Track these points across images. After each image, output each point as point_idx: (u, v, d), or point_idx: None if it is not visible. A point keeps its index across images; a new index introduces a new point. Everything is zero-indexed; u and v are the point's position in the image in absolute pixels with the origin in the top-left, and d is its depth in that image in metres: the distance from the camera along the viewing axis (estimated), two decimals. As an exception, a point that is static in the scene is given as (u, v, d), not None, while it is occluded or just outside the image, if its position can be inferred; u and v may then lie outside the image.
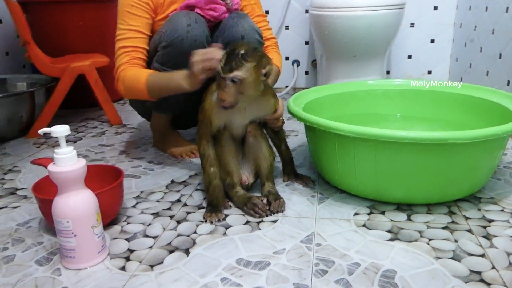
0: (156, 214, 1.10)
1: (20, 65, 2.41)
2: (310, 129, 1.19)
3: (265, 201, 1.11)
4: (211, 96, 1.07)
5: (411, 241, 0.94)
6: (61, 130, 0.83)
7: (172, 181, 1.29)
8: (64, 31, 2.11)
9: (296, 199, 1.15)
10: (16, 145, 1.68)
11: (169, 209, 1.12)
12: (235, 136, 1.14)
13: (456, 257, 0.88)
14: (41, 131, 0.84)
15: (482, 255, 0.88)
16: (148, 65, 1.35)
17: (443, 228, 0.99)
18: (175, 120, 1.54)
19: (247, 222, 1.04)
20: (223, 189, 1.12)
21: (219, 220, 1.05)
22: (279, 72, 1.37)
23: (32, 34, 1.76)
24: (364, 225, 1.01)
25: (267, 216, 1.06)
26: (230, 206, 1.12)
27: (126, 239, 0.98)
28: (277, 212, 1.08)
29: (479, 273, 0.83)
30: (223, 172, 1.11)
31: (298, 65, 2.50)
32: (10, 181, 1.33)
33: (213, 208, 1.07)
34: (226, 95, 0.99)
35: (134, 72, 1.27)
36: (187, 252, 0.92)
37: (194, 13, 1.29)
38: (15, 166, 1.46)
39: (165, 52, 1.27)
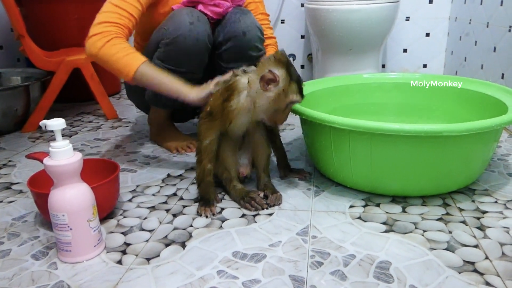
0: (152, 208, 1.10)
1: (14, 59, 2.40)
2: (306, 122, 1.19)
3: (262, 195, 1.11)
4: (238, 97, 1.03)
5: (406, 233, 0.95)
6: (56, 124, 0.83)
7: (168, 175, 1.29)
8: (59, 24, 2.09)
9: (292, 192, 1.16)
10: (11, 140, 1.68)
11: (165, 202, 1.13)
12: (236, 133, 1.12)
13: (450, 248, 0.89)
14: (42, 123, 0.84)
15: (476, 246, 0.89)
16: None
17: (438, 219, 1.00)
18: (172, 113, 1.54)
19: (243, 215, 1.05)
20: (221, 184, 1.12)
21: (213, 214, 1.05)
22: None
23: (27, 28, 1.74)
24: (359, 217, 1.02)
25: (263, 209, 1.06)
26: (221, 200, 1.12)
27: (122, 233, 0.98)
28: (274, 205, 1.08)
29: (472, 263, 0.84)
30: (220, 167, 1.12)
31: (294, 59, 2.50)
32: (5, 176, 1.33)
33: (205, 202, 1.07)
34: (284, 118, 1.06)
35: (128, 46, 1.15)
36: (183, 245, 0.93)
37: (197, 11, 1.28)
38: (10, 161, 1.45)
39: (167, 50, 1.27)
